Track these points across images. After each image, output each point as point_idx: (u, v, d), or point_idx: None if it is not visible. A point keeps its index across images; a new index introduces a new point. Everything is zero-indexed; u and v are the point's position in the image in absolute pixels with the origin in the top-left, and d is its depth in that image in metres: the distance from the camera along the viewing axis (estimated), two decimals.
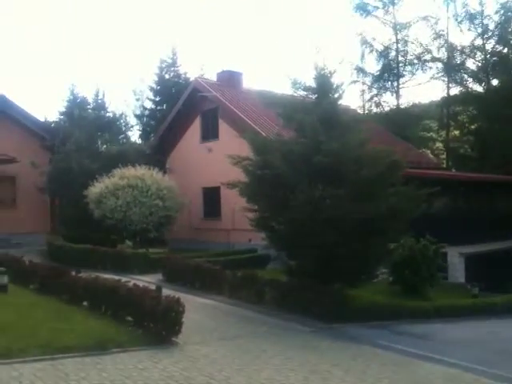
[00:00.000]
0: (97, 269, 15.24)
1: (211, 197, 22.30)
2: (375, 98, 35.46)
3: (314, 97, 12.45)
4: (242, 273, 12.87)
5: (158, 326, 8.59)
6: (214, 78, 26.78)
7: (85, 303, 10.32)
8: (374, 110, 35.77)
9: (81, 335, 7.98)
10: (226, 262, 15.64)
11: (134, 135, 36.44)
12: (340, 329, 10.49)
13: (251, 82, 33.98)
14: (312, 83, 12.34)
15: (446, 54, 32.67)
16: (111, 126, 25.40)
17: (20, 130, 25.38)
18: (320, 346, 9.35)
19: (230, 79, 23.74)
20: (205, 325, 10.34)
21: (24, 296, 11.21)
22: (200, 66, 37.73)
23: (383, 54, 33.87)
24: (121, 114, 28.25)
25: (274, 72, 66.76)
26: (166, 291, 9.77)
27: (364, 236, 11.18)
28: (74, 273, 11.32)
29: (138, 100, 38.24)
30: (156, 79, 35.49)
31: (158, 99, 35.74)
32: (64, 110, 30.79)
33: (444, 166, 32.14)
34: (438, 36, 32.34)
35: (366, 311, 11.03)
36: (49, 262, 15.62)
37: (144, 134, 36.37)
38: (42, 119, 27.43)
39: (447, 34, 32.43)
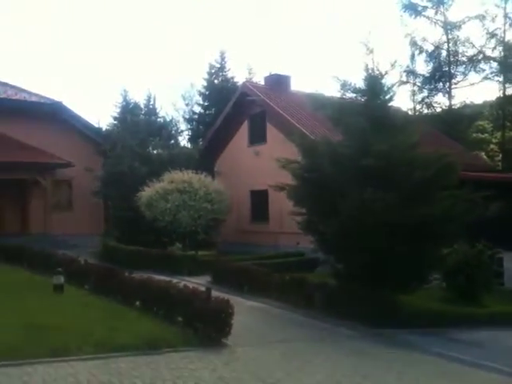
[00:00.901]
0: (147, 270, 15.54)
1: (259, 200, 22.38)
2: (426, 100, 34.57)
3: (363, 99, 12.29)
4: (290, 276, 12.83)
5: (207, 328, 8.71)
6: (261, 81, 26.96)
7: (137, 303, 10.58)
8: (426, 111, 34.88)
9: (134, 335, 8.18)
10: (273, 264, 15.61)
11: (183, 139, 37.11)
12: (391, 335, 10.28)
13: (299, 85, 33.95)
14: (362, 85, 12.19)
15: (501, 53, 31.50)
16: (162, 131, 25.90)
17: (76, 135, 26.39)
18: (371, 351, 9.20)
19: (277, 82, 23.79)
20: (253, 327, 10.38)
21: (79, 296, 11.60)
22: (248, 70, 37.77)
23: (434, 54, 33.01)
24: (171, 119, 28.78)
25: (323, 74, 66.41)
26: (215, 293, 9.85)
27: (416, 240, 10.90)
28: (127, 273, 11.62)
29: (187, 105, 38.92)
30: (205, 84, 35.98)
31: (206, 104, 36.21)
32: (116, 115, 31.71)
33: (499, 168, 30.97)
34: (492, 35, 31.24)
35: (417, 317, 10.74)
36: (102, 263, 16.07)
37: (193, 138, 36.94)
38: (96, 124, 28.30)
39: (504, 32, 31.28)
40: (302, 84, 35.11)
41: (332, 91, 13.24)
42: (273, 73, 25.03)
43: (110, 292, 11.49)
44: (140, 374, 6.81)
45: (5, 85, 26.14)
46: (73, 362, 6.95)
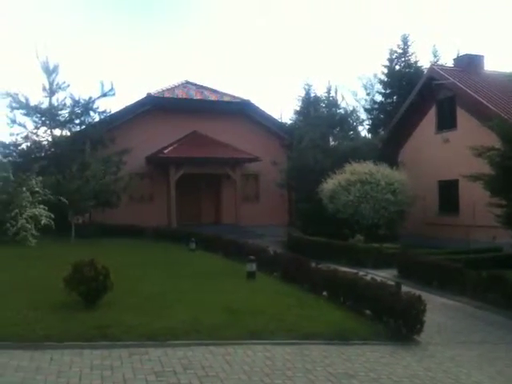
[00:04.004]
0: (330, 261, 15.69)
1: (448, 190, 21.04)
2: None
3: None
4: (487, 273, 11.80)
5: (398, 323, 8.47)
6: (449, 64, 25.25)
7: (324, 293, 10.74)
8: None
9: (323, 324, 8.31)
10: (465, 260, 14.52)
11: (364, 130, 36.56)
12: None
13: (493, 65, 30.92)
14: None
15: None
16: (343, 123, 25.89)
17: (262, 131, 27.87)
18: None
19: (469, 64, 22.04)
20: (447, 326, 9.82)
21: (269, 283, 12.18)
22: (433, 53, 35.59)
23: None
24: (352, 110, 28.52)
25: None
26: (403, 287, 9.56)
27: None
28: (313, 264, 11.87)
29: (368, 94, 38.23)
30: (386, 71, 34.92)
31: (387, 92, 35.13)
32: (299, 109, 32.60)
33: None
34: None
35: None
36: (288, 253, 16.67)
37: (373, 128, 36.17)
38: (278, 119, 29.53)
39: None
40: (496, 64, 31.83)
41: None
42: (463, 53, 23.24)
43: (298, 281, 11.85)
44: (331, 362, 6.89)
45: (201, 87, 28.68)
46: (268, 346, 7.31)
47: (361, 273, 11.15)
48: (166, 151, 24.70)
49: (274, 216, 26.43)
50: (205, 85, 28.97)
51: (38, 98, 24.40)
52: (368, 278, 10.07)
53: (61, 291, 8.44)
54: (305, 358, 6.94)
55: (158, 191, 25.92)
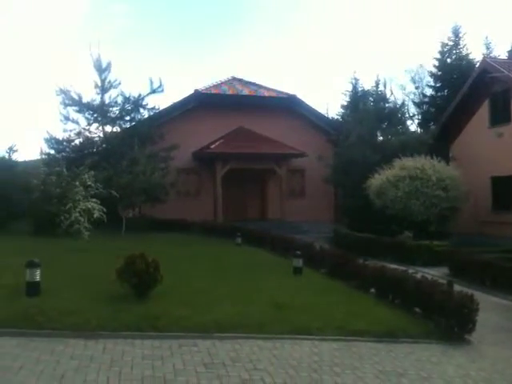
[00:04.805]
0: (377, 258, 15.46)
1: (502, 187, 20.31)
2: None
3: None
4: None
5: (449, 322, 8.28)
6: (503, 56, 24.33)
7: (372, 290, 10.60)
8: None
9: (372, 321, 8.21)
10: None
11: (413, 124, 35.78)
12: None
13: None
14: None
15: None
16: (391, 117, 25.38)
17: (308, 126, 27.73)
18: None
19: None
20: (501, 326, 9.55)
21: (316, 279, 12.12)
22: (485, 45, 34.39)
23: None
24: (401, 104, 27.90)
25: None
26: (455, 286, 9.32)
27: None
28: (361, 260, 11.73)
29: (417, 88, 37.38)
30: (436, 64, 34.02)
31: (438, 85, 34.22)
32: (346, 104, 32.21)
33: None
34: None
35: None
36: (334, 249, 16.53)
37: (423, 123, 35.32)
38: (325, 114, 29.25)
39: None
40: None
41: None
42: None
43: (345, 277, 11.74)
44: (380, 360, 6.81)
45: (247, 83, 28.78)
46: (316, 342, 7.29)
47: (410, 270, 10.92)
48: (212, 147, 24.95)
49: (319, 212, 26.27)
50: (251, 80, 29.06)
51: (90, 95, 25.01)
52: (418, 275, 9.89)
53: (113, 283, 8.69)
54: (353, 355, 6.89)
55: (204, 186, 26.24)
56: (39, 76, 66.18)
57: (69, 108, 23.80)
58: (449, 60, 33.75)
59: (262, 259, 15.19)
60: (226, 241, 19.16)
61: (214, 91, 27.26)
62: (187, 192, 26.04)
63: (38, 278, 8.33)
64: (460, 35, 33.73)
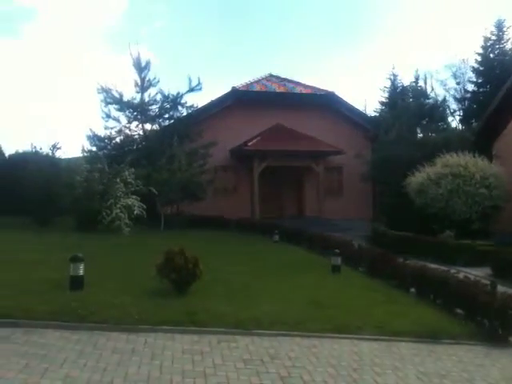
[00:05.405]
0: (417, 257, 15.16)
1: None
2: None
3: None
4: None
5: (492, 323, 8.05)
6: None
7: (412, 290, 10.42)
8: None
9: (412, 321, 8.08)
10: None
11: (454, 121, 34.93)
12: None
13: None
14: None
15: None
16: (432, 113, 24.84)
17: (346, 123, 27.48)
18: None
19: None
20: None
21: (355, 277, 12.01)
22: None
23: None
24: (442, 100, 27.26)
25: None
26: (498, 287, 9.04)
27: None
28: (401, 260, 11.54)
29: (458, 84, 36.45)
30: (479, 59, 33.07)
31: (480, 81, 33.27)
32: (384, 100, 31.72)
33: None
34: None
35: None
36: (372, 247, 16.31)
37: (465, 119, 34.42)
38: (363, 110, 28.84)
39: None
40: None
41: None
42: None
43: (384, 276, 11.58)
44: (421, 361, 6.69)
45: (284, 80, 28.72)
46: (355, 341, 7.22)
47: (452, 270, 10.68)
48: (249, 144, 25.00)
49: (357, 209, 26.00)
50: (288, 77, 28.97)
51: (131, 94, 25.51)
52: (460, 275, 9.66)
53: (153, 278, 8.82)
54: (393, 355, 6.79)
55: (241, 183, 26.33)
56: (82, 74, 67.85)
57: (110, 106, 24.32)
58: (492, 55, 32.76)
59: (299, 257, 15.15)
60: (263, 238, 19.20)
61: (250, 88, 27.32)
62: (224, 189, 26.18)
63: (81, 272, 8.54)
64: (504, 29, 32.70)
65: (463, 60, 36.38)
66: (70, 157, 25.55)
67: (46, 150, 24.04)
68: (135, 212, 19.19)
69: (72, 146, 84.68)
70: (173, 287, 8.70)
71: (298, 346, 6.86)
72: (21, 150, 27.85)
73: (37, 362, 5.48)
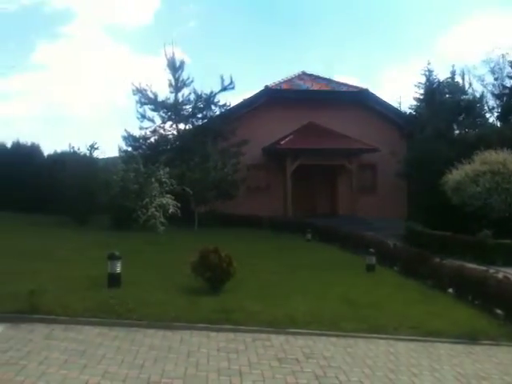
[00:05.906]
0: (454, 257, 14.85)
1: None
2: None
3: None
4: None
5: None
6: None
7: (450, 290, 10.22)
8: None
9: (450, 322, 7.93)
10: None
11: (492, 117, 34.00)
12: None
13: None
14: None
15: None
16: (469, 110, 24.26)
17: (380, 120, 27.08)
18: None
19: None
20: None
21: (389, 277, 11.86)
22: None
23: None
24: (481, 96, 26.58)
25: None
26: None
27: None
28: (438, 259, 11.34)
29: (496, 79, 35.46)
30: None
31: None
32: (419, 96, 31.16)
33: None
34: None
35: None
36: (408, 247, 16.06)
37: (503, 116, 33.46)
38: (397, 107, 28.42)
39: None
40: None
41: None
42: None
43: (420, 276, 11.39)
44: (460, 362, 6.57)
45: (317, 78, 28.55)
46: (391, 341, 7.13)
47: (491, 270, 10.43)
48: (282, 142, 24.96)
49: (391, 208, 25.60)
50: (321, 75, 28.77)
51: (165, 94, 25.75)
52: (499, 275, 9.42)
53: (188, 276, 8.92)
54: (430, 356, 6.69)
55: (274, 182, 26.29)
56: (118, 75, 69.00)
57: (145, 106, 24.65)
58: None
59: (332, 255, 15.05)
60: (295, 236, 19.16)
61: (283, 87, 27.27)
62: (257, 187, 26.20)
63: (118, 269, 8.70)
64: None
65: (502, 55, 35.40)
66: (107, 157, 26.03)
67: (83, 150, 24.54)
68: (170, 211, 19.42)
69: (110, 147, 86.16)
70: (207, 285, 8.78)
71: (333, 345, 6.83)
72: (59, 150, 28.50)
73: (76, 358, 5.61)
